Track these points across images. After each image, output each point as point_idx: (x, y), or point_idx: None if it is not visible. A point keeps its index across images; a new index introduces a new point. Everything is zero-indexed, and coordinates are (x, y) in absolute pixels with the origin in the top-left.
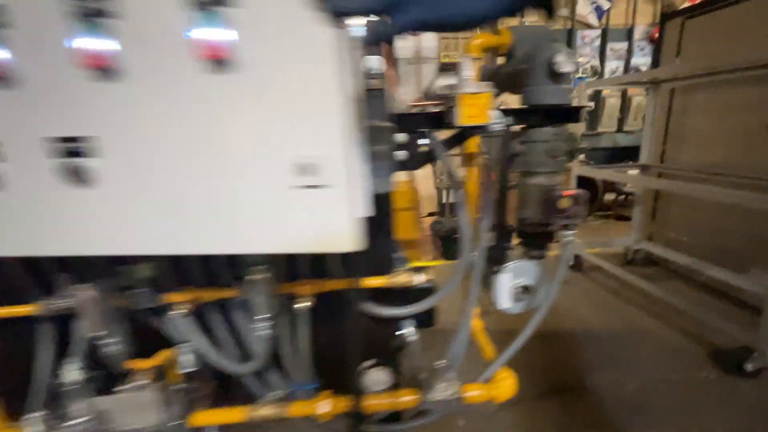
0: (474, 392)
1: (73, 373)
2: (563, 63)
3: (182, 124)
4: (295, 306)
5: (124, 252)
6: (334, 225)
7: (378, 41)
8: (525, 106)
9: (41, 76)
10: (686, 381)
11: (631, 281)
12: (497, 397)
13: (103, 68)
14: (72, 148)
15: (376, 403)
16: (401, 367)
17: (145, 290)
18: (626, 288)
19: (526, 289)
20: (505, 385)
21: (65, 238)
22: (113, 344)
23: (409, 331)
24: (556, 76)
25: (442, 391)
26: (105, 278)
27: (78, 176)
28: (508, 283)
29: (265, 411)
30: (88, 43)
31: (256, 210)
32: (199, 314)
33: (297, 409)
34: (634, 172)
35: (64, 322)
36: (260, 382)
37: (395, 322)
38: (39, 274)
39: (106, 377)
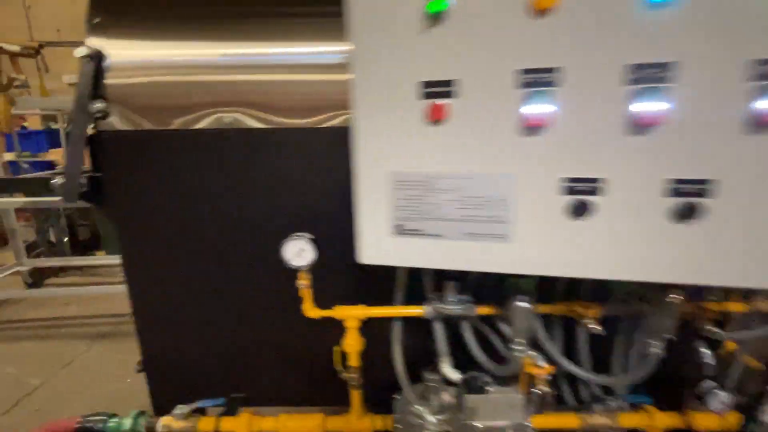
0: None
1: (449, 371)
2: None
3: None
4: (706, 328)
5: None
6: None
7: None
8: None
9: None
10: None
11: None
12: None
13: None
14: (690, 189)
15: (707, 422)
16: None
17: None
18: None
19: None
20: None
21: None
22: (523, 349)
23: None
24: None
25: None
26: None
27: (690, 213)
28: None
29: (597, 419)
30: (642, 106)
31: None
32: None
33: (628, 419)
34: None
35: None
36: (590, 392)
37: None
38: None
39: (474, 378)
